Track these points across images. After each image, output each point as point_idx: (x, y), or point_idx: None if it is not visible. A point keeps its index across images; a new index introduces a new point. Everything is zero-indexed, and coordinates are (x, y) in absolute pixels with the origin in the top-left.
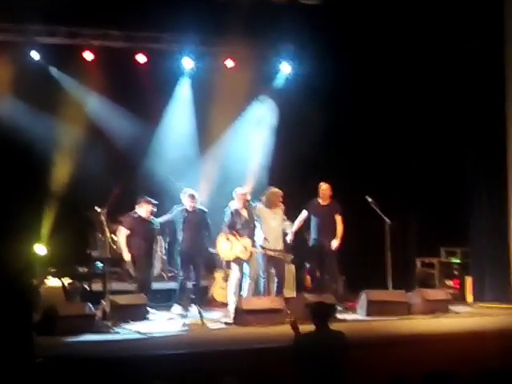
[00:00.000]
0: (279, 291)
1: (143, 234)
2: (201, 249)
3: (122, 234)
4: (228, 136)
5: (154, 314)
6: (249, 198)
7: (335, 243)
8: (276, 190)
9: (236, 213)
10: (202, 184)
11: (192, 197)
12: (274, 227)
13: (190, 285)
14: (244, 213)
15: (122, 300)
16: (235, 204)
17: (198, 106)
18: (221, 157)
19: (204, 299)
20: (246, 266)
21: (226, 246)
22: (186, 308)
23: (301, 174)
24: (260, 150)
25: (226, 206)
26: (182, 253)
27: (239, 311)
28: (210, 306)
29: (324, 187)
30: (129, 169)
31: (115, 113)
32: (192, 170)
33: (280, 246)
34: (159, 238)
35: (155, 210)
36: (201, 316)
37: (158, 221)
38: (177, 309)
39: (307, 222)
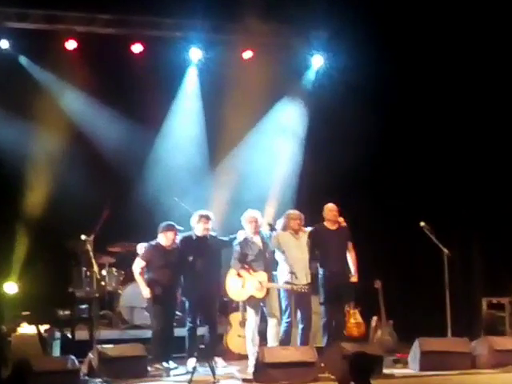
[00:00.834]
0: (305, 339)
1: (163, 267)
2: (214, 285)
3: (137, 266)
4: (245, 145)
5: (160, 368)
6: (272, 221)
7: (354, 278)
8: (293, 211)
9: (245, 242)
10: (212, 204)
11: (207, 218)
12: (298, 257)
13: (202, 331)
14: (256, 240)
15: (113, 351)
16: (243, 233)
17: (207, 106)
18: (236, 170)
19: (217, 350)
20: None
21: (237, 284)
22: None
23: (335, 193)
24: (284, 163)
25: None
26: (189, 291)
27: (260, 365)
28: (226, 358)
29: (331, 207)
30: (121, 185)
31: (103, 115)
32: (200, 186)
33: (306, 280)
34: None
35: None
36: (213, 371)
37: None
38: (192, 362)
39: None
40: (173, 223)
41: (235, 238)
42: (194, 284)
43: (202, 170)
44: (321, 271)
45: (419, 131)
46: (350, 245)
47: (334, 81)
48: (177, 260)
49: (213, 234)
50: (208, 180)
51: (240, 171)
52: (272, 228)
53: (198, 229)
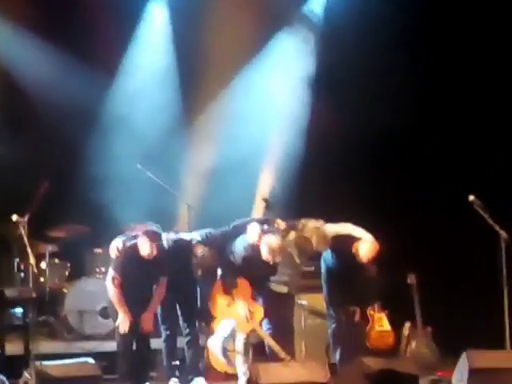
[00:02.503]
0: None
1: (139, 281)
2: (190, 285)
3: (110, 287)
4: (231, 92)
5: None
6: (268, 196)
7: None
8: (314, 224)
9: (252, 257)
10: (188, 173)
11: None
12: None
13: (181, 343)
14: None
15: (56, 370)
16: (256, 230)
17: (180, 42)
18: (219, 126)
19: (199, 367)
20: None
21: (222, 300)
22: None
23: (354, 158)
24: (285, 116)
25: (230, 219)
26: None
27: None
28: (207, 378)
29: None
30: (66, 150)
31: (42, 57)
32: (171, 148)
33: None
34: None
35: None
36: None
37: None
38: None
39: None
40: (157, 231)
41: (240, 229)
42: (169, 282)
43: (174, 127)
44: (324, 262)
45: (470, 78)
46: None
47: (350, 4)
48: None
49: (185, 237)
50: (182, 140)
51: (225, 127)
52: (268, 205)
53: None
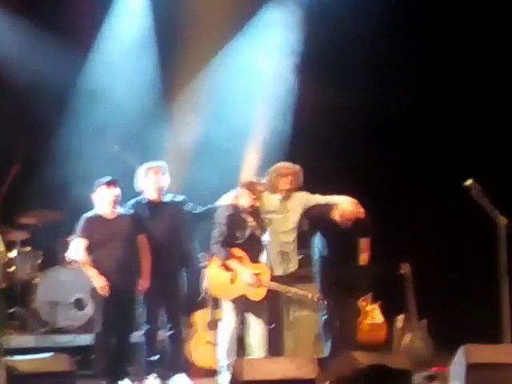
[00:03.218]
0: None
1: (106, 244)
2: (178, 269)
3: (77, 246)
4: (215, 68)
5: None
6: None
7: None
8: (284, 164)
9: (234, 217)
10: (169, 156)
11: (156, 171)
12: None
13: (163, 336)
14: (249, 218)
15: (27, 365)
16: (230, 199)
17: (160, 18)
18: (202, 103)
19: (182, 363)
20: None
21: (224, 278)
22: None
23: (345, 139)
24: (272, 92)
25: (214, 200)
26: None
27: (237, 383)
28: (189, 374)
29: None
30: (38, 130)
31: (9, 30)
32: (151, 128)
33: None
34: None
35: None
36: None
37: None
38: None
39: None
40: (108, 177)
41: (215, 210)
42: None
43: (154, 105)
44: (317, 248)
45: (465, 61)
46: None
47: None
48: (126, 232)
49: (179, 198)
50: (162, 119)
51: (208, 104)
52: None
53: (147, 189)
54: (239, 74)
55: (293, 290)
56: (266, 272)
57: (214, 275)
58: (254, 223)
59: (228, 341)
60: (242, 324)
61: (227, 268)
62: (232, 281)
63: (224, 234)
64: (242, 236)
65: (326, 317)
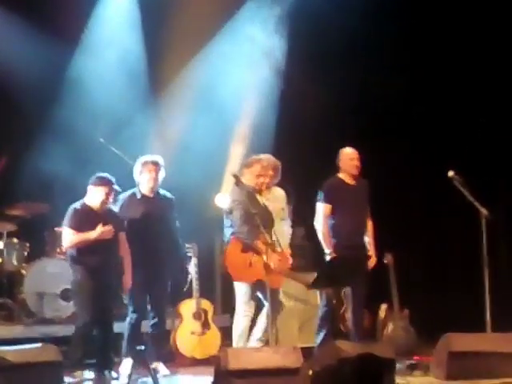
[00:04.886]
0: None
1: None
2: (166, 261)
3: (69, 238)
4: (201, 62)
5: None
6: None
7: (372, 260)
8: (263, 156)
9: (246, 196)
10: (155, 146)
11: (151, 169)
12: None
13: (147, 326)
14: (258, 196)
15: (14, 356)
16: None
17: (147, 13)
18: (188, 96)
19: (162, 352)
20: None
21: (242, 261)
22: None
23: (329, 131)
24: (257, 85)
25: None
26: (133, 269)
27: (222, 373)
28: (174, 363)
29: (351, 153)
30: (25, 122)
31: None
32: (137, 120)
33: None
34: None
35: (115, 192)
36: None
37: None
38: (127, 366)
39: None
40: (107, 176)
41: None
42: (138, 259)
43: (140, 98)
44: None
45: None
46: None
47: None
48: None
49: (169, 195)
50: (148, 111)
51: (194, 97)
52: (238, 181)
53: (142, 183)
54: (226, 66)
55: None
56: (286, 261)
57: (233, 258)
58: (263, 199)
59: (241, 329)
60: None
61: (246, 251)
62: (250, 264)
63: (243, 217)
64: (257, 212)
65: (326, 309)
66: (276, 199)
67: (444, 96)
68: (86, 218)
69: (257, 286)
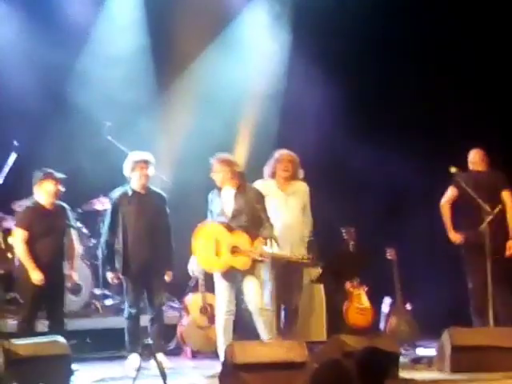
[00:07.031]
0: (288, 326)
1: (44, 236)
2: (159, 256)
3: (19, 239)
4: (206, 58)
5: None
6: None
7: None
8: (283, 151)
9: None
10: (162, 142)
11: (145, 163)
12: (286, 220)
13: (145, 320)
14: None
15: (26, 349)
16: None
17: (152, 16)
18: (194, 92)
19: (161, 345)
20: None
21: (209, 251)
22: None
23: (334, 126)
24: (262, 81)
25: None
26: (125, 265)
27: (228, 366)
28: (181, 357)
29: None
30: (35, 119)
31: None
32: (145, 117)
33: (300, 251)
34: (75, 239)
35: (63, 189)
36: (162, 376)
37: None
38: (134, 361)
39: None
40: (50, 170)
41: None
42: (132, 253)
43: (147, 95)
44: None
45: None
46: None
47: None
48: (62, 224)
49: (162, 193)
50: (155, 109)
51: (200, 94)
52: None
53: (133, 181)
54: (232, 63)
55: (290, 256)
56: (246, 240)
57: (199, 249)
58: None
59: (222, 325)
60: (236, 307)
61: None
62: (217, 253)
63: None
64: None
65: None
66: (295, 193)
67: (446, 95)
68: (37, 218)
69: (230, 274)
